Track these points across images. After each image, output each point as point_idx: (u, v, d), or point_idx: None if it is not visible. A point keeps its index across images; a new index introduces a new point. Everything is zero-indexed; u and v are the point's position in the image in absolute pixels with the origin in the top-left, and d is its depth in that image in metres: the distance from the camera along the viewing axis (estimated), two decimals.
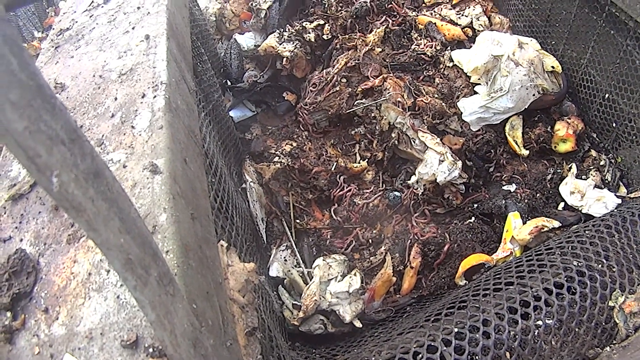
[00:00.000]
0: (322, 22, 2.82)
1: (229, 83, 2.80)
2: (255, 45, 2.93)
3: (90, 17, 2.16)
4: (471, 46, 2.65)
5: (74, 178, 0.57)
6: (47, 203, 1.31)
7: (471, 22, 2.91)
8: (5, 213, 1.34)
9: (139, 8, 2.03)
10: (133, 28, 1.88)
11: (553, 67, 2.45)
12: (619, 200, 2.06)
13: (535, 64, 2.39)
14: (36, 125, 0.51)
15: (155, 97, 1.44)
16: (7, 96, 0.50)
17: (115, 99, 1.52)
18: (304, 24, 2.78)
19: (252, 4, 3.02)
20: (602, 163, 2.31)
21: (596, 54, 2.31)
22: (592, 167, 2.31)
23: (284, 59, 2.65)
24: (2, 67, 0.49)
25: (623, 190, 2.21)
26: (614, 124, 2.26)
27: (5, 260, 1.20)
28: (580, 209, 2.12)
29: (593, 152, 2.38)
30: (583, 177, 2.27)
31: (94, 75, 1.71)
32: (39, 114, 0.52)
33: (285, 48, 2.65)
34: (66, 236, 1.22)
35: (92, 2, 2.34)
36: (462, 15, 2.94)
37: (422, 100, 2.35)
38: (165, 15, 1.91)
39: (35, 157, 0.53)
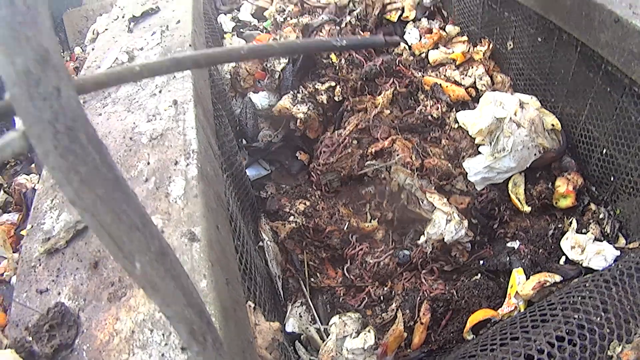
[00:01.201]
0: (333, 83, 3.20)
1: (244, 142, 3.14)
2: (269, 105, 3.30)
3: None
4: (475, 106, 3.00)
5: (148, 260, 0.65)
6: (85, 260, 1.47)
7: (474, 82, 3.28)
8: (40, 265, 1.50)
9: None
10: (160, 91, 2.16)
11: (553, 125, 2.79)
12: (618, 252, 2.34)
13: (536, 123, 2.73)
14: (120, 216, 0.61)
15: (187, 165, 1.65)
16: (95, 192, 0.58)
17: (148, 163, 1.71)
18: (316, 86, 3.14)
19: (266, 65, 3.40)
20: (601, 216, 2.61)
21: (594, 111, 2.65)
22: (592, 220, 2.61)
23: (298, 120, 3.00)
24: (88, 165, 0.56)
25: (622, 241, 2.51)
26: (612, 178, 2.57)
27: (45, 311, 1.33)
28: (580, 262, 2.41)
29: (592, 206, 2.69)
30: (583, 230, 2.56)
31: (124, 137, 1.93)
32: (120, 206, 0.61)
33: (299, 110, 3.01)
34: (107, 294, 1.38)
35: (116, 59, 2.69)
36: (466, 75, 3.31)
37: (429, 162, 2.69)
38: (191, 80, 2.19)
39: (122, 245, 0.63)
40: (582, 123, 2.76)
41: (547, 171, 2.85)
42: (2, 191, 3.85)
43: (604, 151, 2.60)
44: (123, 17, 3.24)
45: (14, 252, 2.96)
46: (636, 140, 2.33)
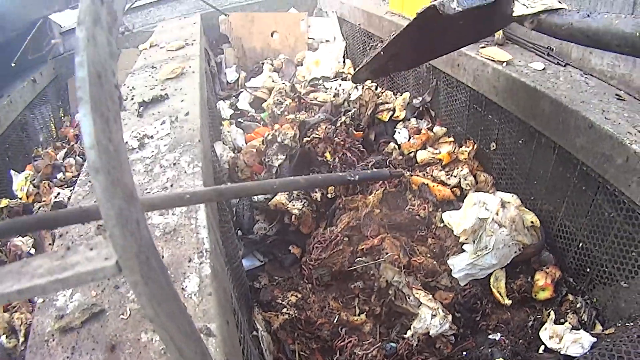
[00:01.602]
0: None
1: (240, 233, 3.40)
2: (265, 198, 3.58)
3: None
4: (460, 205, 3.29)
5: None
6: (101, 343, 1.55)
7: (459, 182, 3.59)
8: (54, 340, 1.58)
9: (174, 164, 2.52)
10: (171, 185, 2.33)
11: (532, 222, 3.09)
12: (594, 339, 2.55)
13: (517, 222, 3.02)
14: (180, 328, 0.73)
15: (201, 263, 1.80)
16: (165, 309, 0.69)
17: (162, 256, 1.81)
18: None
19: (264, 159, 3.71)
20: (578, 305, 2.85)
21: (570, 207, 2.96)
22: (569, 310, 2.84)
23: (293, 216, 3.28)
24: (161, 287, 0.68)
25: (599, 328, 2.72)
26: (589, 269, 2.84)
27: None
28: (559, 350, 2.62)
29: (570, 296, 2.93)
30: (562, 320, 2.79)
31: None
32: (180, 318, 0.73)
33: (294, 206, 3.30)
34: None
35: (126, 143, 2.84)
36: (452, 175, 3.63)
37: (416, 260, 2.95)
38: (200, 179, 2.37)
39: (182, 351, 0.78)
40: (560, 219, 3.07)
41: (527, 265, 3.12)
42: None
43: (580, 245, 2.90)
44: (132, 98, 3.51)
45: (4, 312, 3.08)
46: (609, 233, 2.63)
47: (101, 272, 0.70)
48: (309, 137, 3.79)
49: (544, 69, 3.28)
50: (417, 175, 3.65)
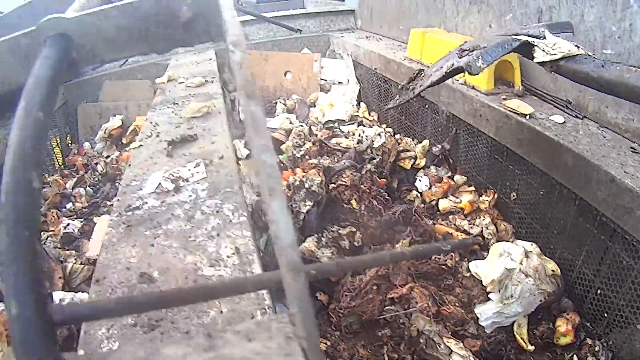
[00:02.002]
0: (353, 229, 3.69)
1: None
2: None
3: (162, 203, 2.67)
4: (484, 255, 3.47)
5: None
6: None
7: (482, 231, 3.79)
8: None
9: (217, 212, 2.55)
10: (218, 234, 2.32)
11: (553, 270, 3.27)
12: None
13: (540, 270, 3.20)
14: None
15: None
16: None
17: (221, 312, 1.83)
18: (339, 231, 3.63)
19: (291, 205, 3.89)
20: (597, 349, 3.04)
21: (589, 256, 3.17)
22: (588, 354, 3.03)
23: None
24: None
25: None
26: (606, 314, 3.04)
27: None
28: None
29: (588, 340, 3.11)
30: None
31: (186, 277, 2.06)
32: None
33: (324, 253, 3.48)
34: None
35: (159, 184, 2.89)
36: (474, 224, 3.83)
37: (445, 310, 3.12)
38: (249, 229, 2.38)
39: None
40: (579, 267, 3.28)
41: (547, 312, 3.30)
42: None
43: (598, 291, 3.10)
44: (157, 135, 3.60)
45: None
46: (627, 280, 2.83)
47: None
48: (334, 183, 4.00)
49: (564, 122, 3.53)
50: (441, 224, 3.85)
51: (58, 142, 6.59)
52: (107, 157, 6.38)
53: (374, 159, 4.43)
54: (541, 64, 2.78)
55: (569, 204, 3.28)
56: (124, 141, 6.70)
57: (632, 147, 3.16)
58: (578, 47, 2.69)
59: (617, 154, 3.06)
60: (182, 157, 3.22)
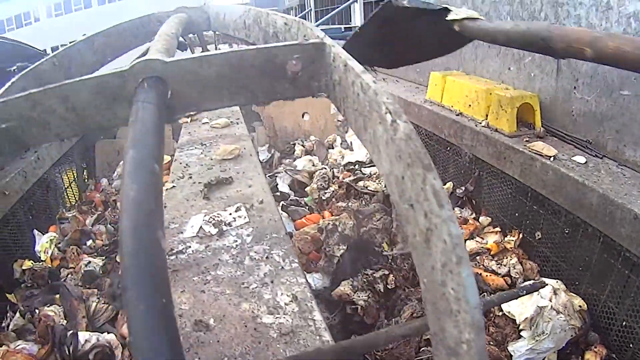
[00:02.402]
0: (386, 272, 3.91)
1: None
2: (323, 287, 3.97)
3: (206, 247, 2.84)
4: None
5: None
6: None
7: (509, 271, 4.01)
8: None
9: (267, 258, 2.70)
10: (272, 281, 2.47)
11: (580, 306, 3.49)
12: None
13: (568, 307, 3.42)
14: None
15: None
16: None
17: None
18: (373, 274, 3.85)
19: (324, 248, 4.12)
20: None
21: (614, 290, 3.40)
22: None
23: (359, 307, 3.67)
24: None
25: None
26: (631, 345, 3.25)
27: None
28: None
29: None
30: None
31: (245, 326, 2.16)
32: None
33: (359, 297, 3.70)
34: None
35: (201, 228, 3.05)
36: (502, 265, 4.05)
37: None
38: (302, 275, 2.53)
39: None
40: (604, 301, 3.49)
41: (575, 346, 3.49)
42: (18, 313, 3.88)
43: (624, 323, 3.31)
44: (190, 177, 3.81)
45: None
46: None
47: None
48: (365, 227, 4.24)
49: (585, 162, 3.80)
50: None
51: (75, 177, 6.78)
52: None
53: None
54: (450, 22, 3.08)
55: (594, 241, 3.52)
56: None
57: None
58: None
59: (638, 192, 3.32)
60: (220, 200, 3.45)
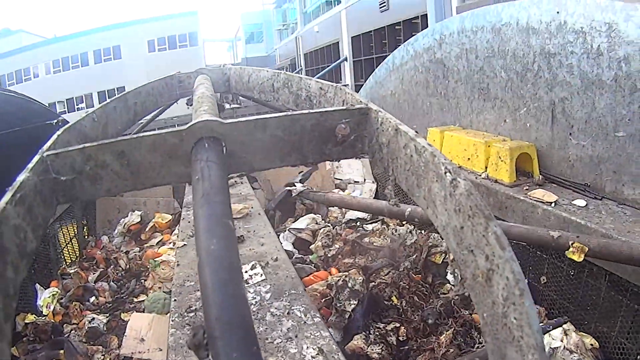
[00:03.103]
0: (397, 324, 4.04)
1: None
2: (336, 342, 4.06)
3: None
4: None
5: None
6: None
7: None
8: None
9: (288, 313, 2.87)
10: (296, 336, 2.64)
11: (592, 344, 3.60)
12: None
13: (580, 346, 3.54)
14: None
15: None
16: None
17: None
18: (385, 327, 3.97)
19: (335, 304, 4.23)
20: None
21: (625, 325, 3.52)
22: None
23: None
24: None
25: None
26: None
27: None
28: None
29: None
30: None
31: None
32: None
33: (373, 350, 3.79)
34: None
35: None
36: None
37: None
38: (326, 329, 2.70)
39: None
40: (615, 338, 3.61)
41: None
42: None
43: (637, 357, 3.42)
44: None
45: None
46: None
47: None
48: (374, 281, 4.40)
49: (586, 205, 4.01)
50: (477, 314, 4.19)
51: (75, 232, 6.94)
52: (127, 252, 6.76)
53: (410, 256, 4.83)
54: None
55: (600, 279, 3.70)
56: (142, 237, 7.15)
57: None
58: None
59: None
60: None
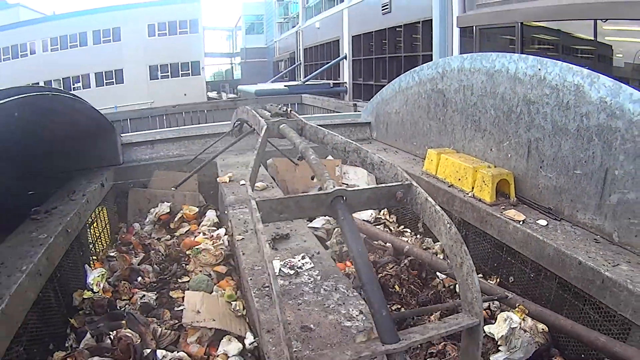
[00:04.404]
0: (399, 306, 5.35)
1: None
2: None
3: (290, 283, 4.01)
4: (492, 322, 5.10)
5: None
6: None
7: (489, 305, 5.43)
8: None
9: (335, 289, 3.89)
10: (343, 303, 3.65)
11: (543, 328, 4.69)
12: None
13: (534, 328, 4.61)
14: None
15: None
16: None
17: None
18: (390, 308, 5.24)
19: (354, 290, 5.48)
20: None
21: (568, 316, 4.51)
22: None
23: None
24: None
25: None
26: (583, 355, 4.37)
27: None
28: None
29: None
30: None
31: (334, 327, 3.32)
32: None
33: None
34: None
35: (280, 270, 4.14)
36: (484, 302, 5.48)
37: None
38: (362, 301, 3.71)
39: None
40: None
41: (541, 357, 4.67)
42: (88, 334, 4.57)
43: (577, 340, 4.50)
44: (252, 231, 4.91)
45: None
46: (594, 329, 4.24)
47: None
48: (381, 274, 5.72)
49: (547, 224, 5.17)
50: (458, 300, 5.50)
51: (107, 219, 7.80)
52: (159, 239, 7.78)
53: (410, 255, 6.12)
54: None
55: (552, 281, 4.75)
56: (171, 226, 8.15)
57: (595, 239, 4.69)
58: None
59: (583, 245, 4.55)
60: (285, 251, 4.75)
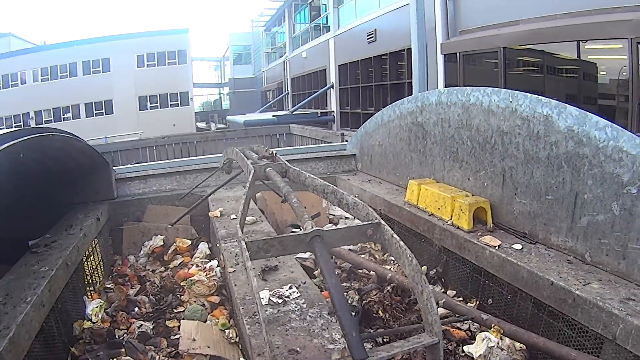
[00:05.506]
0: (382, 329, 5.65)
1: None
2: None
3: (278, 311, 4.28)
4: (472, 342, 5.40)
5: None
6: None
7: (469, 327, 5.74)
8: None
9: (320, 315, 4.16)
10: (327, 328, 3.91)
11: (521, 346, 4.97)
12: None
13: (511, 347, 4.90)
14: None
15: None
16: None
17: None
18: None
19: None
20: None
21: (543, 334, 4.76)
22: None
23: None
24: None
25: None
26: None
27: None
28: None
29: None
30: None
31: (319, 350, 3.58)
32: None
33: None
34: None
35: (270, 299, 4.43)
36: (464, 323, 5.79)
37: None
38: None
39: None
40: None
41: None
42: None
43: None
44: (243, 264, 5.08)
45: None
46: (570, 346, 4.59)
47: None
48: (365, 300, 6.04)
49: (521, 248, 5.48)
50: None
51: (101, 255, 7.98)
52: (154, 271, 8.04)
53: (392, 283, 6.40)
54: None
55: (527, 302, 5.01)
56: (165, 258, 8.44)
57: (568, 260, 4.97)
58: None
59: (556, 266, 4.82)
60: (274, 282, 5.06)
